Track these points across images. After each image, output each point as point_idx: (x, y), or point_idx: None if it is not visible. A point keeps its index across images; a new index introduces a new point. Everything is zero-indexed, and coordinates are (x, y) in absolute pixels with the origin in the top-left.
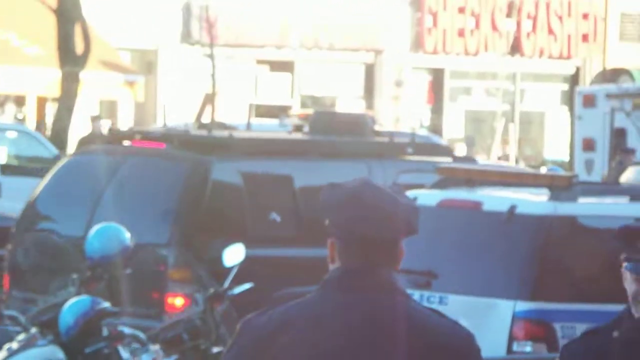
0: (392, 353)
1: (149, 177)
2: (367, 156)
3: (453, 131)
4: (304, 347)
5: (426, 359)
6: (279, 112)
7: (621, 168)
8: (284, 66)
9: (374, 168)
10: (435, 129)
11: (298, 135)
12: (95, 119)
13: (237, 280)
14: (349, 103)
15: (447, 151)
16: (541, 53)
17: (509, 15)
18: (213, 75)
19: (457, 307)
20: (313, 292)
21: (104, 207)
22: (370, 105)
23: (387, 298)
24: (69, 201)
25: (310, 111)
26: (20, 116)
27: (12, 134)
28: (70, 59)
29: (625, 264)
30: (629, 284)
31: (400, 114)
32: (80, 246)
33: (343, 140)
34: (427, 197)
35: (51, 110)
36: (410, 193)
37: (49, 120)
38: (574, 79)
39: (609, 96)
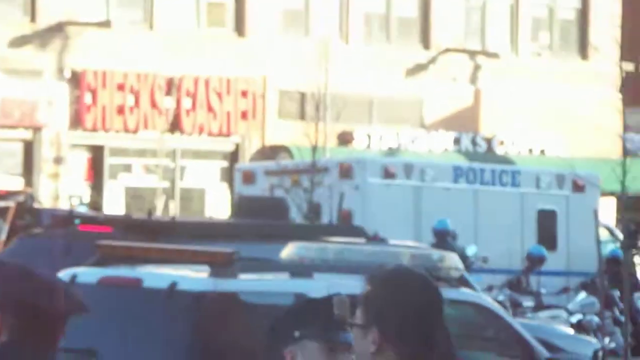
0: None
1: None
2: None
3: (113, 208)
4: None
5: None
6: None
7: None
8: None
9: None
10: (95, 205)
11: (230, 220)
12: None
13: None
14: (7, 180)
15: (360, 232)
16: (201, 130)
17: (168, 93)
18: None
19: None
20: None
21: None
22: (29, 183)
23: None
24: None
25: None
26: None
27: None
28: None
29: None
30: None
31: (59, 191)
32: None
33: (270, 223)
34: (87, 274)
35: None
36: (68, 271)
37: None
38: (233, 156)
39: (268, 173)
